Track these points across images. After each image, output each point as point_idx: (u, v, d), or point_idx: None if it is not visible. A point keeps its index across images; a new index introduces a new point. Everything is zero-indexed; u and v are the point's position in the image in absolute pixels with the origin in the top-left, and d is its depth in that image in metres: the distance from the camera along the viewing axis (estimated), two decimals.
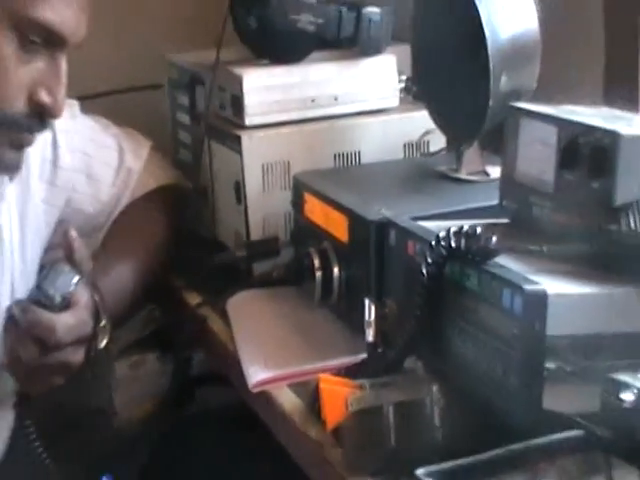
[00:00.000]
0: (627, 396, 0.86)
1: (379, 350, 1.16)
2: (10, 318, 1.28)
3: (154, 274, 1.55)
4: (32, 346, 1.26)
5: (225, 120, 1.54)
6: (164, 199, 1.61)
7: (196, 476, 1.53)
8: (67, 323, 1.26)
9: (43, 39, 1.21)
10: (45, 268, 1.39)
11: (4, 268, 1.39)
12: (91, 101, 1.58)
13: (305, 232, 1.40)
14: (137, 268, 1.51)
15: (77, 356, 1.29)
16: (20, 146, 1.27)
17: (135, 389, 1.67)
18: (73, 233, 1.33)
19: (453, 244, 1.04)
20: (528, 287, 0.95)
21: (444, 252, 1.04)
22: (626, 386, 0.88)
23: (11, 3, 1.18)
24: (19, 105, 1.21)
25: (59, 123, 1.39)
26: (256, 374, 1.25)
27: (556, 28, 1.34)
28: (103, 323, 1.33)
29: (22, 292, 1.37)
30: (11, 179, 1.36)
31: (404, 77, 1.56)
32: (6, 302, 1.33)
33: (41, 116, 1.24)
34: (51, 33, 1.20)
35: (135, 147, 1.62)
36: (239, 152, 1.48)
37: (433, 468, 0.87)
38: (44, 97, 1.22)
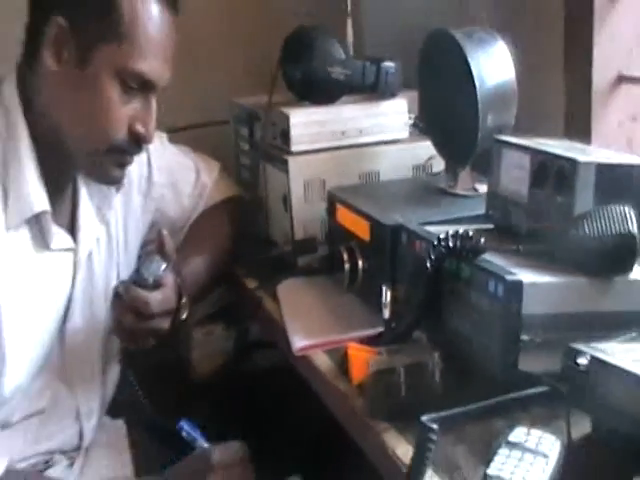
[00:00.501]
0: (582, 361, 0.87)
1: (393, 325, 1.16)
2: (116, 294, 1.29)
3: (221, 264, 1.53)
4: (132, 316, 1.26)
5: (276, 147, 1.53)
6: (228, 207, 1.60)
7: (249, 416, 1.52)
8: (157, 299, 1.27)
9: (139, 85, 1.20)
10: (142, 257, 1.42)
11: (112, 257, 1.39)
12: (176, 133, 1.58)
13: (336, 233, 1.39)
14: (208, 259, 1.49)
15: (164, 324, 1.29)
16: (123, 165, 1.27)
17: (207, 350, 1.69)
18: (164, 232, 1.34)
19: (450, 244, 1.05)
20: (508, 277, 0.97)
21: (443, 250, 1.05)
22: (581, 353, 0.88)
23: (116, 59, 1.18)
24: (122, 134, 1.21)
25: (152, 149, 1.42)
26: (299, 342, 1.25)
27: (528, 82, 1.33)
28: (184, 300, 1.34)
29: (125, 275, 1.39)
30: (117, 190, 1.37)
31: (413, 115, 1.56)
32: (114, 282, 1.36)
33: (138, 142, 1.24)
34: (145, 80, 1.21)
35: (208, 168, 1.61)
36: (286, 172, 1.47)
37: (434, 415, 0.86)
38: (140, 128, 1.22)
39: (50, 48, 1.18)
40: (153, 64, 1.20)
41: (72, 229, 1.31)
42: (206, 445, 1.20)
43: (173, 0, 1.23)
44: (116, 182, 1.31)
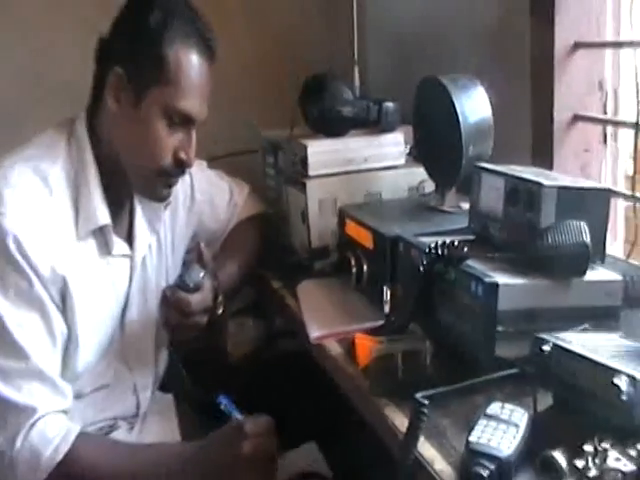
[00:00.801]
0: (546, 347, 0.87)
1: (392, 318, 1.16)
2: (164, 296, 1.29)
3: (250, 268, 1.52)
4: (176, 314, 1.27)
5: (296, 172, 1.51)
6: (256, 222, 1.58)
7: (273, 392, 1.50)
8: (197, 300, 1.27)
9: (181, 120, 1.21)
10: (185, 264, 1.41)
11: (162, 261, 1.39)
12: (215, 161, 1.57)
13: (345, 243, 1.38)
14: (240, 265, 1.48)
15: (203, 319, 1.29)
16: (169, 186, 1.28)
17: (239, 339, 1.67)
18: (202, 244, 1.35)
19: (439, 252, 1.06)
20: (486, 279, 0.97)
21: (434, 257, 1.05)
22: (546, 341, 0.88)
23: (164, 100, 1.18)
24: (168, 161, 1.22)
25: (193, 173, 1.42)
26: (314, 332, 1.25)
27: (502, 119, 1.33)
28: (220, 299, 1.34)
29: (173, 275, 1.39)
30: (165, 207, 1.36)
31: (408, 146, 1.55)
32: (163, 281, 1.37)
33: (181, 167, 1.24)
34: (187, 116, 1.21)
35: (239, 189, 1.59)
36: (304, 192, 1.46)
37: (426, 393, 0.88)
38: (183, 156, 1.22)
39: (111, 93, 1.19)
40: (193, 103, 1.21)
41: (129, 239, 1.31)
42: (240, 417, 1.19)
43: (210, 51, 1.23)
44: (164, 199, 1.31)
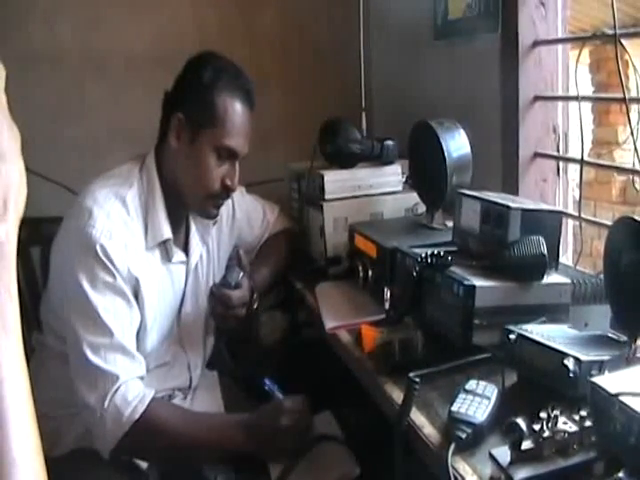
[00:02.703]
0: (512, 336, 0.88)
1: (391, 313, 1.16)
2: (211, 292, 1.31)
3: (280, 271, 1.51)
4: (221, 306, 1.28)
5: (315, 196, 1.51)
6: (285, 235, 1.57)
7: (298, 372, 1.48)
8: (237, 296, 1.29)
9: (227, 155, 1.22)
10: (227, 267, 1.40)
11: (210, 266, 1.38)
12: (251, 187, 1.57)
13: (354, 253, 1.38)
14: (271, 269, 1.48)
15: (242, 311, 1.31)
16: (218, 207, 1.29)
17: (270, 328, 1.66)
18: (241, 251, 1.36)
19: (429, 260, 1.05)
20: (466, 282, 0.98)
21: (425, 264, 1.06)
22: (512, 332, 0.88)
23: (214, 138, 1.19)
24: (217, 187, 1.23)
25: (235, 197, 1.41)
26: (329, 324, 1.25)
27: (478, 154, 1.33)
28: (255, 296, 1.35)
29: (218, 277, 1.39)
30: (213, 224, 1.37)
31: (405, 176, 1.55)
32: (211, 283, 1.37)
33: (227, 192, 1.25)
34: (233, 152, 1.22)
35: (271, 209, 1.58)
36: (322, 212, 1.46)
37: (417, 372, 0.89)
38: (229, 183, 1.23)
39: (173, 133, 1.21)
40: (237, 141, 1.21)
41: (185, 249, 1.31)
42: (281, 396, 1.17)
43: (250, 101, 1.24)
44: (214, 217, 1.31)
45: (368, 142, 1.55)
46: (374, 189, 1.53)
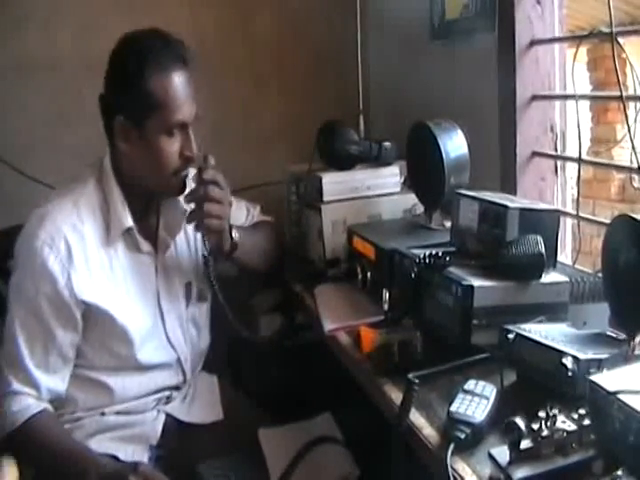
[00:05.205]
0: (510, 336, 0.88)
1: (390, 314, 1.16)
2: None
3: (267, 249, 1.44)
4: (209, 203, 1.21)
5: (313, 198, 1.50)
6: (271, 225, 1.50)
7: (297, 373, 1.50)
8: (215, 190, 1.21)
9: (178, 127, 1.17)
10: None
11: (179, 257, 1.33)
12: (251, 189, 1.55)
13: (353, 255, 1.38)
14: (256, 238, 1.41)
15: (225, 211, 1.23)
16: (183, 180, 1.24)
17: (269, 329, 1.66)
18: (210, 156, 1.23)
19: (427, 260, 1.05)
20: (464, 282, 0.98)
21: (423, 264, 1.06)
22: (510, 331, 0.89)
23: (160, 122, 1.15)
24: (176, 160, 1.19)
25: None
26: (328, 325, 1.24)
27: (476, 155, 1.33)
28: (234, 231, 1.29)
29: (189, 275, 1.34)
30: (187, 222, 1.26)
31: (403, 177, 1.54)
32: (183, 281, 1.33)
33: (188, 162, 1.21)
34: (182, 124, 1.17)
35: (253, 206, 1.50)
36: (320, 215, 1.45)
37: (416, 373, 0.89)
38: (187, 153, 1.19)
39: (119, 136, 1.17)
40: (183, 112, 1.16)
41: (155, 242, 1.28)
42: None
43: (184, 61, 1.17)
44: (182, 192, 1.24)
45: (366, 144, 1.54)
46: (372, 191, 1.52)
